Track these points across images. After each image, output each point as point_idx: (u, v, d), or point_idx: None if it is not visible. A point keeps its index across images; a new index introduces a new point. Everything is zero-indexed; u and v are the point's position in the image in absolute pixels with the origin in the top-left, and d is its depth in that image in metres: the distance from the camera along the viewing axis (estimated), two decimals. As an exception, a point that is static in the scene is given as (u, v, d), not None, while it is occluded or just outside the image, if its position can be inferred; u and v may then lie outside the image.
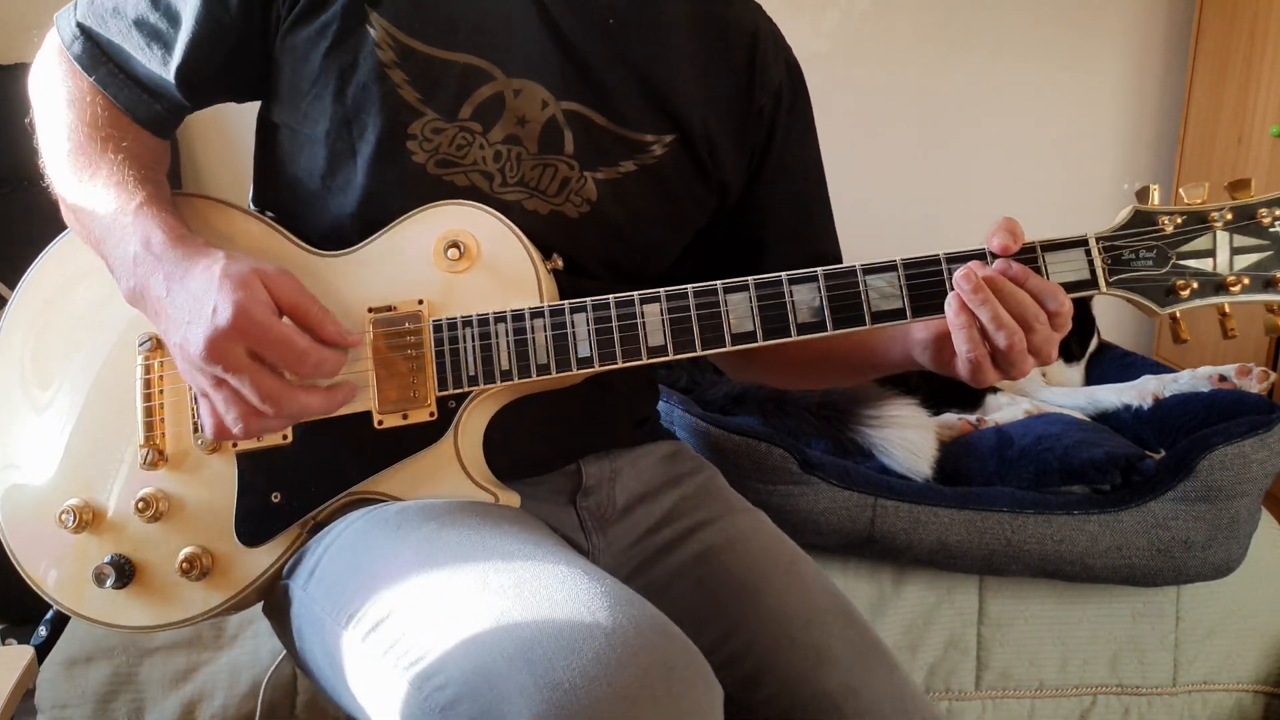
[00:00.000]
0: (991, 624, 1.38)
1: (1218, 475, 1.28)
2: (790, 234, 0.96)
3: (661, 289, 0.76)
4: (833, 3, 2.31)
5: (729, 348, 0.76)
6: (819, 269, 0.75)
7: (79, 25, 0.84)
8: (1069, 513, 1.30)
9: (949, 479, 1.40)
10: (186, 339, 0.70)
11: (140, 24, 0.83)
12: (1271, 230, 0.74)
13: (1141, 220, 0.76)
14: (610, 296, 0.76)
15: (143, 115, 0.85)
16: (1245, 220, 0.75)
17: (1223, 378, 1.53)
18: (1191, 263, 0.75)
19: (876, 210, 2.42)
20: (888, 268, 0.75)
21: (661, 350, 0.76)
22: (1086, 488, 1.36)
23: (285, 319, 0.72)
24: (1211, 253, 0.75)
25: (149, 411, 0.83)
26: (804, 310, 0.75)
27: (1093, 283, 0.75)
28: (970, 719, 1.39)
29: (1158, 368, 1.70)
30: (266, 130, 0.88)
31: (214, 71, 0.84)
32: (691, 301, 0.76)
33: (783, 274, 0.76)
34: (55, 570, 0.83)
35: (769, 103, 0.93)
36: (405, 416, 0.78)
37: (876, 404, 1.43)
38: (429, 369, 0.78)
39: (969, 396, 1.66)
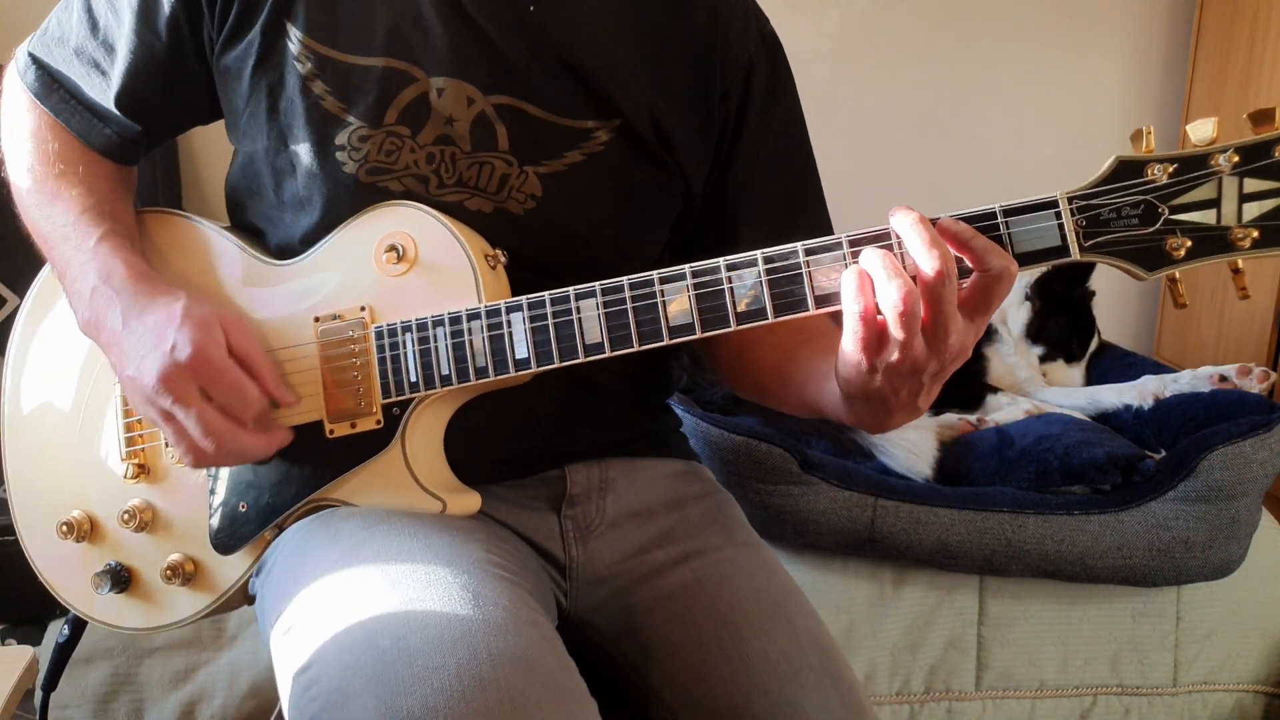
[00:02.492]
0: (992, 624, 1.37)
1: (1218, 475, 1.28)
2: (770, 228, 0.88)
3: (598, 283, 0.72)
4: (833, 3, 2.31)
5: (666, 341, 0.71)
6: (758, 252, 0.68)
7: (30, 55, 0.87)
8: (1069, 513, 1.30)
9: (949, 479, 1.40)
10: (141, 371, 0.73)
11: (80, 53, 0.84)
12: None
13: (1126, 171, 0.63)
14: (546, 294, 0.73)
15: (96, 140, 0.86)
16: (1260, 160, 0.60)
17: (1223, 378, 1.53)
18: (1189, 216, 0.62)
19: (878, 209, 2.42)
20: (833, 246, 0.67)
21: (599, 348, 0.72)
22: (1087, 488, 1.36)
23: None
24: (1215, 203, 0.61)
25: (128, 427, 0.85)
26: (744, 298, 0.69)
27: (1063, 249, 0.64)
28: (970, 719, 1.39)
29: (1158, 368, 1.70)
30: (235, 151, 0.90)
31: (156, 97, 0.85)
32: (628, 294, 0.71)
33: (721, 260, 0.69)
34: (67, 577, 0.88)
35: (736, 83, 0.86)
36: (354, 425, 0.78)
37: (877, 404, 1.43)
38: (374, 376, 0.77)
39: (969, 397, 1.66)
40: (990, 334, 1.79)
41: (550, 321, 0.73)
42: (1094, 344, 1.85)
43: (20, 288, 1.78)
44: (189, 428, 0.73)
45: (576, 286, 0.72)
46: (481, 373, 0.74)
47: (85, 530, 0.86)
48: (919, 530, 1.30)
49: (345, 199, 0.79)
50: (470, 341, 0.74)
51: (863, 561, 1.37)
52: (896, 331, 0.62)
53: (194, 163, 2.20)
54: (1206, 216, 0.62)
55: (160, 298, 0.75)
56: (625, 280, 0.71)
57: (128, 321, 0.75)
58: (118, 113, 0.85)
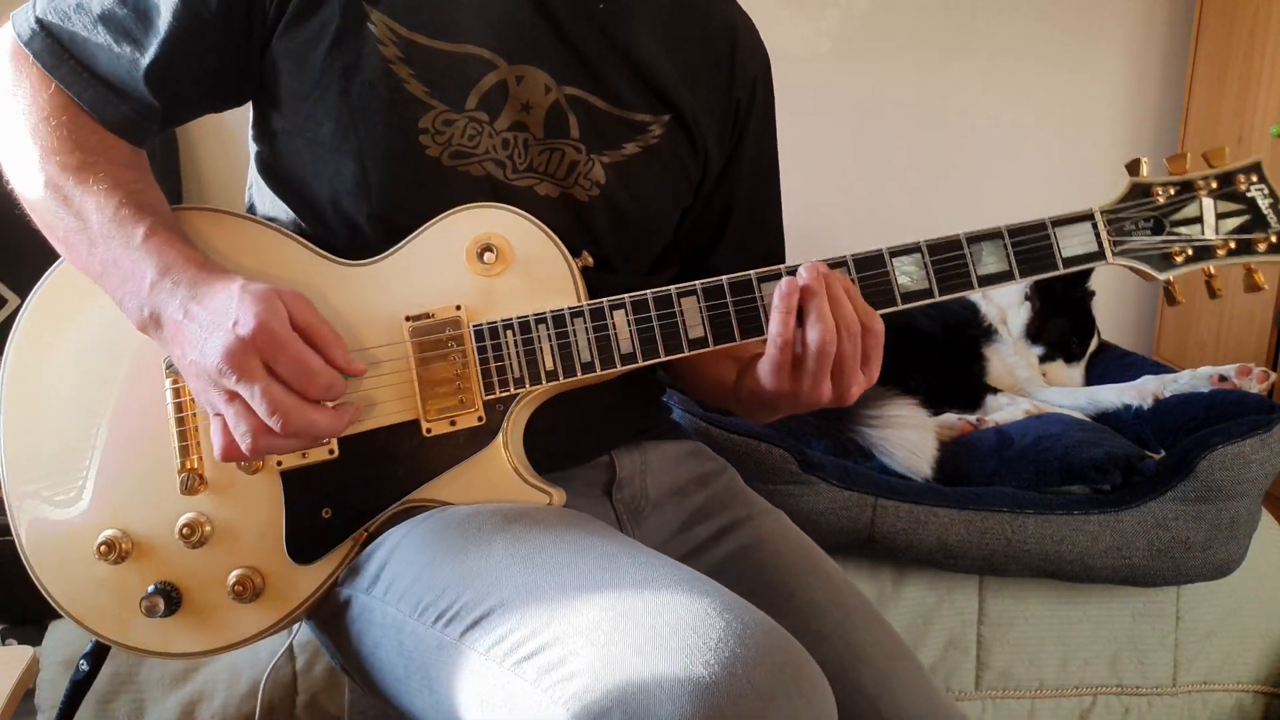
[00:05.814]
0: (991, 624, 1.38)
1: (1218, 475, 1.28)
2: (746, 227, 0.99)
3: (697, 282, 0.78)
4: (833, 3, 2.31)
5: (763, 336, 0.77)
6: (884, 248, 0.79)
7: (38, 21, 0.79)
8: (1069, 513, 1.30)
9: (949, 479, 1.40)
10: (204, 352, 0.69)
11: (107, 19, 0.78)
12: (1248, 195, 0.80)
13: (1139, 192, 0.81)
14: (648, 292, 0.78)
15: (110, 117, 0.80)
16: (1227, 187, 0.81)
17: (1223, 378, 1.53)
18: (1184, 230, 0.81)
19: (876, 209, 2.42)
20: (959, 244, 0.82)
21: (702, 342, 0.78)
22: (1086, 488, 1.36)
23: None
24: (1199, 219, 0.81)
25: (183, 435, 0.80)
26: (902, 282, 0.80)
27: (1100, 254, 0.80)
28: (970, 719, 1.39)
29: (1158, 368, 1.70)
30: (266, 140, 0.86)
31: (190, 72, 0.80)
32: (728, 293, 0.78)
33: (848, 255, 0.79)
34: (95, 602, 0.81)
35: (745, 95, 0.95)
36: (453, 423, 0.78)
37: (876, 404, 1.43)
38: (474, 374, 0.78)
39: (969, 397, 1.66)
40: (990, 334, 1.79)
41: (655, 318, 0.78)
42: (1094, 344, 1.85)
43: (20, 288, 1.77)
44: (255, 405, 0.68)
45: (676, 286, 0.79)
46: (587, 367, 0.78)
47: (126, 549, 0.79)
48: (919, 530, 1.30)
49: (427, 182, 0.81)
50: (575, 338, 0.78)
51: (863, 561, 1.37)
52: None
53: (194, 158, 2.20)
54: (1195, 230, 0.81)
55: (219, 282, 0.72)
56: (725, 280, 0.79)
57: (188, 310, 0.72)
58: (142, 86, 0.79)
